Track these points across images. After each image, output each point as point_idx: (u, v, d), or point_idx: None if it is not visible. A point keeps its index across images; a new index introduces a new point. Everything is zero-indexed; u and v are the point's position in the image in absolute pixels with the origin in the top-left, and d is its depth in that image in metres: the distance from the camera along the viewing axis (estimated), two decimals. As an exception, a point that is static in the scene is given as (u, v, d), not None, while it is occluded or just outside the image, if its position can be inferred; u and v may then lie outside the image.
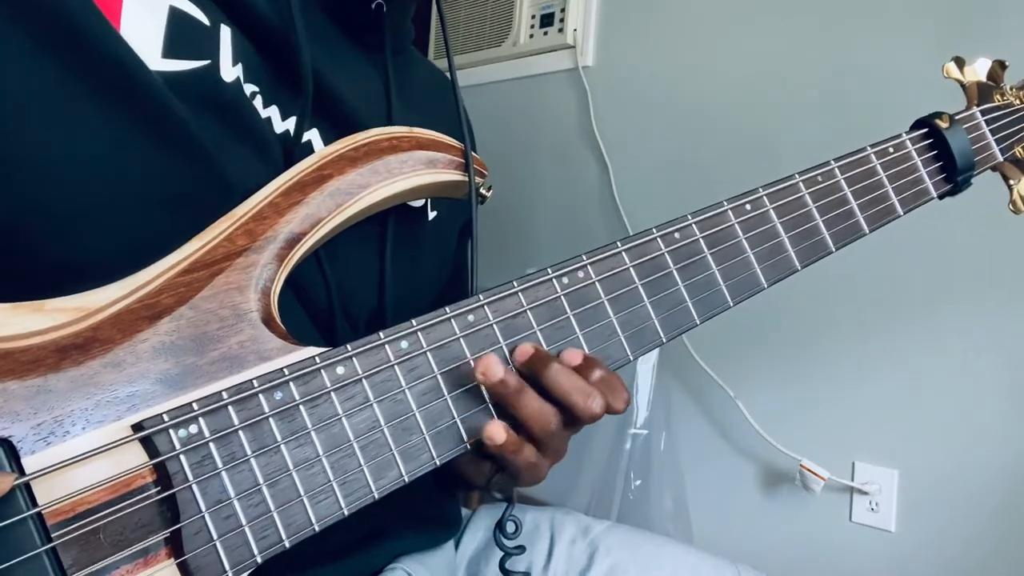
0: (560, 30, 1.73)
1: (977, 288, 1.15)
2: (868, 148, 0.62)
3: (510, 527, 0.52)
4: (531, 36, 1.79)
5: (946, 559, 1.15)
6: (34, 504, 0.35)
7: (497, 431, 0.45)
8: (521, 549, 0.53)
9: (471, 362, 0.47)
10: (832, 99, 1.32)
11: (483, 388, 0.46)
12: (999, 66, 0.71)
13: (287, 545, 0.40)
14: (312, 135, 0.54)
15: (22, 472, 0.35)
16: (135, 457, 0.38)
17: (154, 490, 0.38)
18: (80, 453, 0.36)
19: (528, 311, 0.49)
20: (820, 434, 1.28)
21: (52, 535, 0.35)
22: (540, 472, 0.50)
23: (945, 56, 0.71)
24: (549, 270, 0.50)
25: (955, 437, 1.16)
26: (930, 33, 1.22)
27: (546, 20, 1.76)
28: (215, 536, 0.38)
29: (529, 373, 0.47)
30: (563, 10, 1.72)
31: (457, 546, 0.70)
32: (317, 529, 0.41)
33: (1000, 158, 0.69)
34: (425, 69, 0.71)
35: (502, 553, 0.52)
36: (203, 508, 0.38)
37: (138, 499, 0.37)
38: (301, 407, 0.42)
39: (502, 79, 1.85)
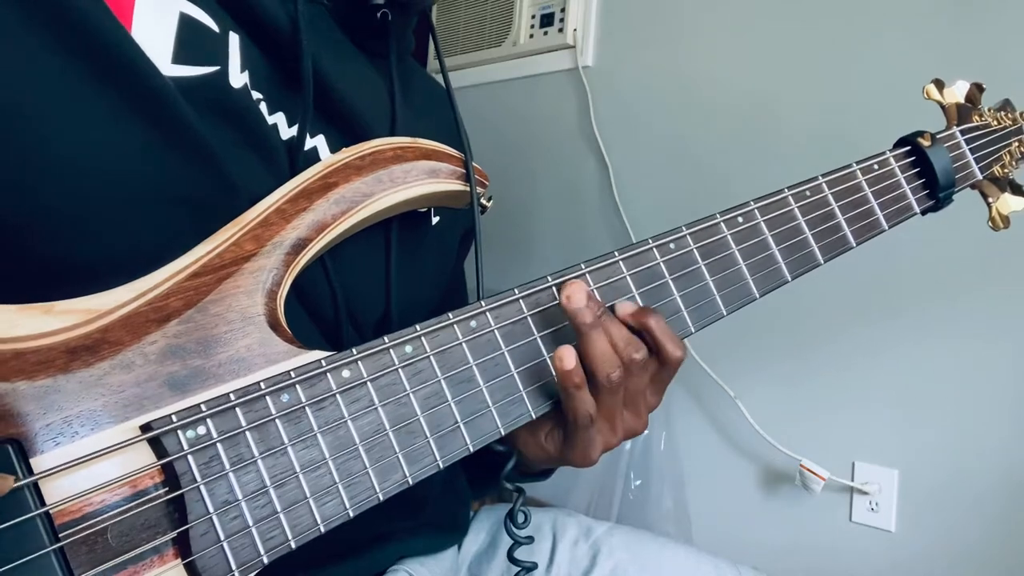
0: (560, 30, 1.73)
1: (977, 287, 1.15)
2: (854, 164, 0.64)
3: (520, 517, 0.53)
4: (531, 36, 1.79)
5: (946, 559, 1.15)
6: (42, 504, 0.35)
7: (568, 353, 0.47)
8: (530, 539, 0.54)
9: (473, 367, 0.47)
10: (831, 99, 1.32)
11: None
12: (976, 88, 0.74)
13: (293, 546, 0.41)
14: (318, 141, 0.54)
15: (31, 472, 0.35)
16: (143, 458, 0.38)
17: (162, 491, 0.38)
18: (88, 452, 0.37)
19: (528, 317, 0.50)
20: (820, 434, 1.29)
21: (60, 535, 0.35)
22: (593, 442, 0.52)
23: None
24: (549, 278, 0.51)
25: (955, 437, 1.16)
26: (931, 41, 1.22)
27: (546, 20, 1.76)
28: (222, 537, 0.39)
29: (637, 325, 0.51)
30: (563, 10, 1.72)
31: (459, 547, 0.71)
32: (323, 530, 0.42)
33: (979, 176, 0.71)
34: (424, 79, 0.72)
35: (508, 547, 0.53)
36: (211, 509, 0.39)
37: (146, 500, 0.38)
38: (307, 409, 0.42)
39: (502, 79, 1.85)
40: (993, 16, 1.16)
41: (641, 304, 0.53)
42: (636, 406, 0.53)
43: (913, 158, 0.67)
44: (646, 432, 1.40)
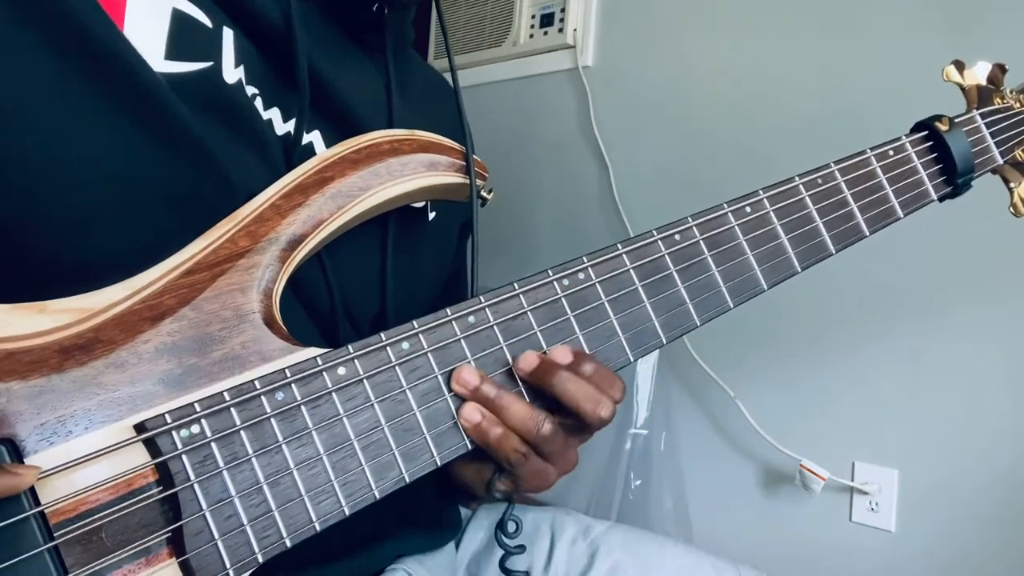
0: (560, 30, 1.73)
1: (977, 287, 1.15)
2: (868, 151, 0.62)
3: (511, 527, 0.53)
4: (531, 36, 1.79)
5: (946, 559, 1.15)
6: (37, 503, 0.35)
7: (469, 410, 0.46)
8: (521, 548, 0.53)
9: (471, 363, 0.47)
10: (832, 98, 1.32)
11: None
12: (999, 70, 0.71)
13: (288, 544, 0.40)
14: (314, 136, 0.54)
15: (25, 472, 0.35)
16: (137, 457, 0.38)
17: (156, 490, 0.38)
18: (83, 454, 0.36)
19: (529, 312, 0.49)
20: (820, 434, 1.28)
21: (54, 534, 0.35)
22: (545, 477, 0.50)
23: (948, 58, 0.71)
24: (550, 272, 0.50)
25: (955, 437, 1.16)
26: (933, 35, 1.22)
27: (546, 20, 1.76)
28: (216, 535, 0.39)
29: (536, 383, 0.48)
30: (563, 10, 1.72)
31: (457, 547, 0.70)
32: (318, 528, 0.41)
33: (1000, 160, 0.69)
34: (424, 71, 0.71)
35: (503, 553, 0.52)
36: (204, 507, 0.39)
37: (140, 499, 0.38)
38: (302, 407, 0.42)
39: (502, 79, 1.85)
40: None
41: (646, 299, 0.52)
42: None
43: (930, 143, 0.65)
44: (646, 432, 1.40)
